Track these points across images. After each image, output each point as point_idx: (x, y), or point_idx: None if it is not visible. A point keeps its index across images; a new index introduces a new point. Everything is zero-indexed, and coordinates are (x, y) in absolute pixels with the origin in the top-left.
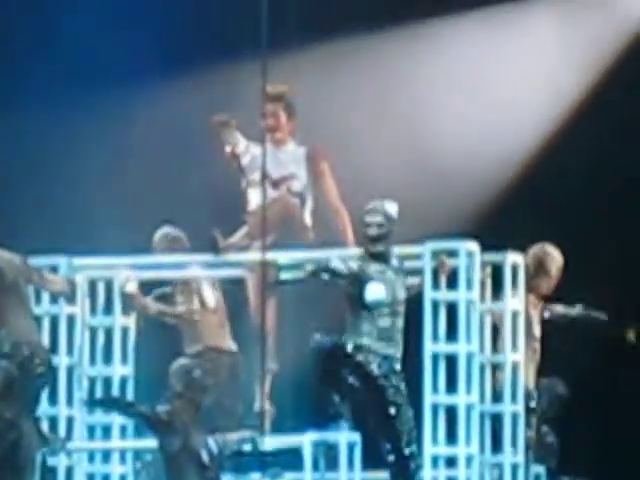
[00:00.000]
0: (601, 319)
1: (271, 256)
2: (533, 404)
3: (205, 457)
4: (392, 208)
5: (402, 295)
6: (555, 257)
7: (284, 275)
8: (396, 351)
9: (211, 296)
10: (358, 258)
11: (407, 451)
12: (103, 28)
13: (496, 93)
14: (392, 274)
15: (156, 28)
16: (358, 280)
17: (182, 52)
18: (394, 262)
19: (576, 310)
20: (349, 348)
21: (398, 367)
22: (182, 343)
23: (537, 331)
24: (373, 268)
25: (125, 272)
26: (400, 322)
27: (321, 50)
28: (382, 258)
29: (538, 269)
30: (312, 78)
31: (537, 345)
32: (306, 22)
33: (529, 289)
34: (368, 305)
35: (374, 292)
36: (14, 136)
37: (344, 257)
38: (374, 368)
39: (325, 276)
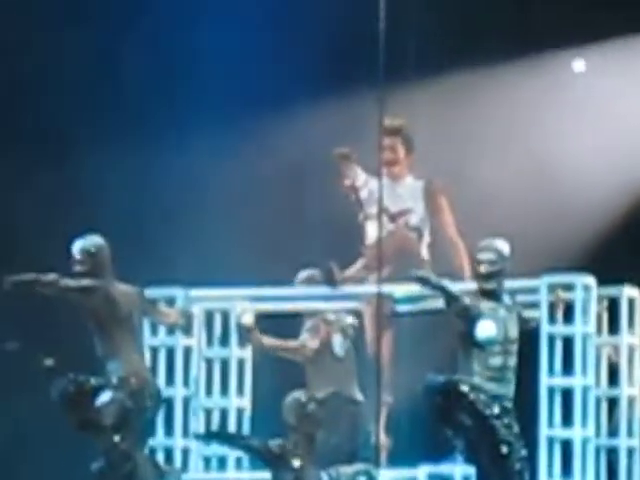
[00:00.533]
0: None
1: (387, 289)
2: None
3: None
4: (504, 246)
5: (514, 333)
6: None
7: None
8: (508, 390)
9: (340, 344)
10: (470, 294)
11: None
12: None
13: (624, 124)
14: (504, 312)
15: (280, 60)
16: (469, 316)
17: (304, 85)
18: (506, 299)
19: None
20: (462, 387)
21: (510, 406)
22: (308, 388)
23: None
24: (484, 305)
25: (242, 303)
26: (512, 361)
27: (439, 84)
28: (494, 296)
29: None
30: (431, 112)
31: None
32: (425, 56)
33: None
34: (479, 343)
35: (485, 330)
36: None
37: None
38: (484, 407)
39: (434, 289)
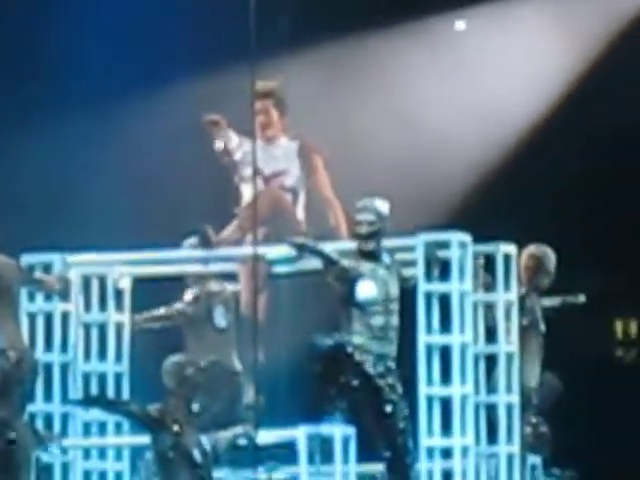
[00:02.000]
0: (578, 301)
1: (263, 250)
2: (535, 400)
3: (197, 455)
4: (383, 206)
5: (395, 293)
6: (551, 256)
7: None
8: (391, 350)
9: (221, 315)
10: (350, 255)
11: (403, 447)
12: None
13: (500, 82)
14: (384, 272)
15: (150, 30)
16: (349, 277)
17: (174, 53)
18: (386, 259)
19: (557, 300)
20: (348, 348)
21: (393, 365)
22: (187, 355)
23: (542, 327)
24: (364, 266)
25: (119, 268)
26: (394, 320)
27: (317, 50)
28: (374, 256)
29: (539, 268)
30: (308, 77)
31: (542, 341)
32: (301, 23)
33: (532, 287)
34: (360, 304)
35: (366, 290)
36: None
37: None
38: (369, 367)
39: (312, 253)
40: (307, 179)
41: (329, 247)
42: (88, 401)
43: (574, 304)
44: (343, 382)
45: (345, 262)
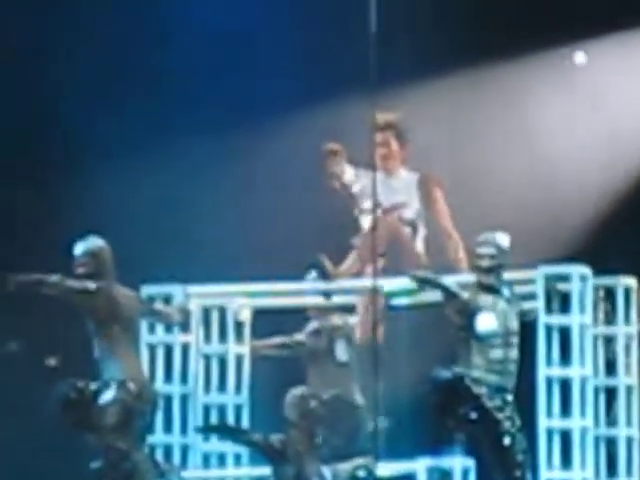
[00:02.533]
0: None
1: (382, 282)
2: None
3: None
4: (504, 239)
5: (515, 326)
6: None
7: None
8: (509, 383)
9: (343, 349)
10: (469, 288)
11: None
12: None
13: (621, 115)
14: (504, 305)
15: (271, 59)
16: (469, 310)
17: (296, 85)
18: (506, 293)
19: None
20: (466, 381)
21: (511, 398)
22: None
23: None
24: (484, 299)
25: (239, 300)
26: (514, 353)
27: (438, 81)
28: (494, 289)
29: None
30: (429, 109)
31: None
32: (421, 52)
33: None
34: (480, 336)
35: (486, 323)
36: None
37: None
38: (487, 400)
39: (433, 286)
40: (426, 211)
41: (449, 280)
42: (211, 429)
43: None
44: (462, 414)
45: (465, 295)
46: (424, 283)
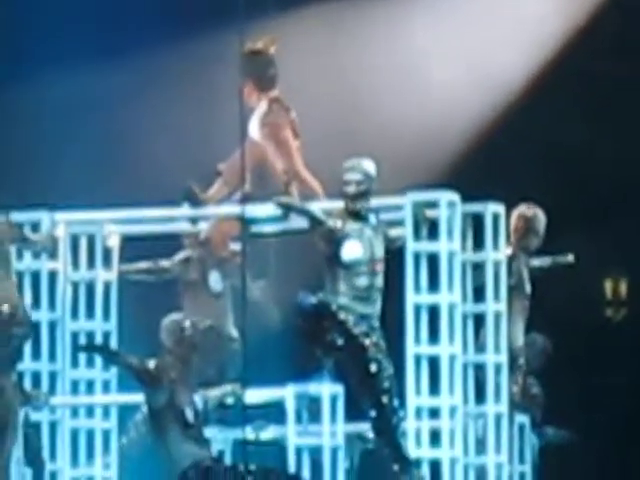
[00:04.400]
0: (567, 261)
1: (249, 209)
2: (522, 360)
3: (189, 414)
4: (370, 166)
5: (380, 253)
6: (541, 217)
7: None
8: (375, 309)
9: (216, 279)
10: (336, 215)
11: (388, 406)
12: None
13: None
14: (370, 232)
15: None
16: (335, 238)
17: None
18: (373, 220)
19: (546, 260)
20: (332, 307)
21: (377, 324)
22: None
23: (528, 288)
24: (351, 226)
25: (108, 226)
26: (379, 280)
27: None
28: (360, 216)
29: (528, 229)
30: (298, 37)
31: (527, 303)
32: None
33: (520, 248)
34: (345, 264)
35: (351, 251)
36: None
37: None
38: (353, 327)
39: (298, 213)
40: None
41: (315, 207)
42: (89, 349)
43: (563, 264)
44: (328, 341)
45: (331, 222)
46: (289, 209)
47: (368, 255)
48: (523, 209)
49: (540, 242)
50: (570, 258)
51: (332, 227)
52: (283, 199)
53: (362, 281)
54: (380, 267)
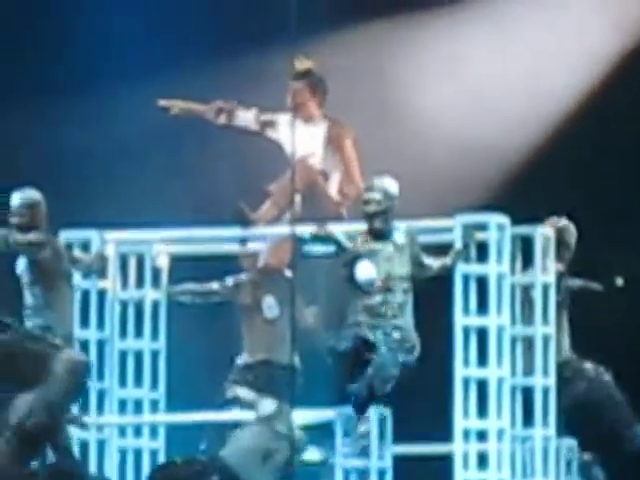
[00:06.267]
0: (598, 289)
1: (299, 230)
2: (568, 373)
3: None
4: (392, 185)
5: (402, 272)
6: (573, 230)
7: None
8: (389, 323)
9: (270, 306)
10: (360, 236)
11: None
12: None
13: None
14: (392, 251)
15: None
16: (351, 259)
17: (216, 36)
18: (398, 238)
19: (577, 282)
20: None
21: (394, 334)
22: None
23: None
24: (368, 246)
25: (157, 246)
26: (397, 297)
27: (352, 31)
28: (380, 235)
29: (560, 243)
30: (350, 55)
31: (567, 317)
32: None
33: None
34: (359, 284)
35: (364, 271)
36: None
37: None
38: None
39: (328, 242)
40: (335, 158)
41: (340, 233)
42: None
43: (594, 290)
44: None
45: (352, 245)
46: (320, 240)
47: (383, 275)
48: (553, 221)
49: (571, 255)
50: (619, 281)
51: (350, 250)
52: (313, 230)
53: (376, 298)
54: (398, 284)
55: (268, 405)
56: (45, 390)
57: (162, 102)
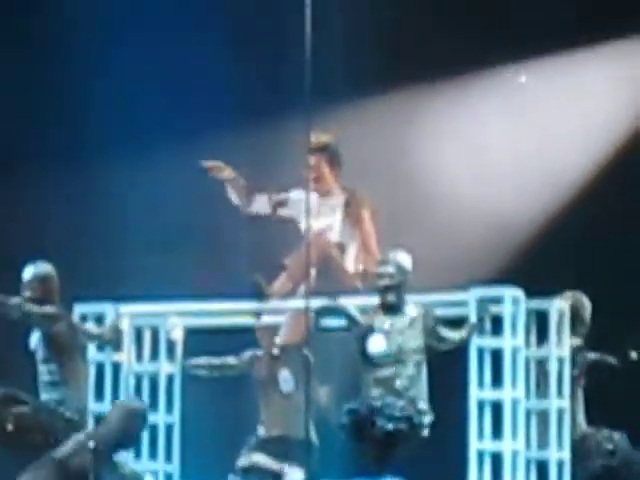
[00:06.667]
0: (614, 362)
1: (314, 303)
2: (584, 449)
3: None
4: (405, 259)
5: (414, 345)
6: (588, 305)
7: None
8: (399, 398)
9: (285, 380)
10: (372, 309)
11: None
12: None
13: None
14: (404, 325)
15: (205, 78)
16: (362, 333)
17: (230, 104)
18: (411, 311)
19: (592, 356)
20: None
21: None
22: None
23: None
24: (380, 320)
25: (171, 319)
26: (408, 370)
27: (370, 101)
28: (393, 308)
29: (575, 318)
30: (366, 129)
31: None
32: (357, 74)
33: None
34: (369, 357)
35: (375, 345)
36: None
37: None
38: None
39: (340, 316)
40: (353, 231)
41: (352, 307)
42: None
43: (609, 364)
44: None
45: (363, 319)
46: (331, 313)
47: (394, 348)
48: (567, 295)
49: (587, 329)
50: (613, 360)
51: (362, 325)
52: (326, 304)
53: (386, 371)
54: (409, 357)
55: (296, 474)
56: (95, 434)
57: (209, 163)
